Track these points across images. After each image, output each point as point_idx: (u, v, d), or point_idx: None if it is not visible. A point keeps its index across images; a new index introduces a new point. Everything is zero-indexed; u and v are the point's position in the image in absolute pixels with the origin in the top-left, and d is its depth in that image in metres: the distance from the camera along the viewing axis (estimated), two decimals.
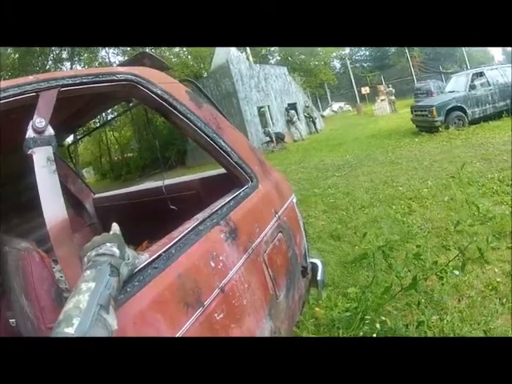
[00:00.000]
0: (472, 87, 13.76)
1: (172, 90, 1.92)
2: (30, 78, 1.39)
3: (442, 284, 3.33)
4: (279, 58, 50.78)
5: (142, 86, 1.78)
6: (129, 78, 1.74)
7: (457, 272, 3.04)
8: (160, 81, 1.89)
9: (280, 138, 21.88)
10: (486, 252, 2.90)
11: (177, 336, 1.30)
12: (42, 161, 1.25)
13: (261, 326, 1.83)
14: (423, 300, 3.35)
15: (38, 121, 1.28)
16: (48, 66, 27.10)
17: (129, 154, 35.90)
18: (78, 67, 28.21)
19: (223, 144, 2.07)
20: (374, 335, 2.74)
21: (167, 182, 2.85)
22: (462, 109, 13.54)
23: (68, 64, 28.71)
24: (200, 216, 1.76)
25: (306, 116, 26.96)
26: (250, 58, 26.58)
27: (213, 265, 1.59)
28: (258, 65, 26.49)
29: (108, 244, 1.16)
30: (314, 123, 26.88)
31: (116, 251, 1.15)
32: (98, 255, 1.12)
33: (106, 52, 33.12)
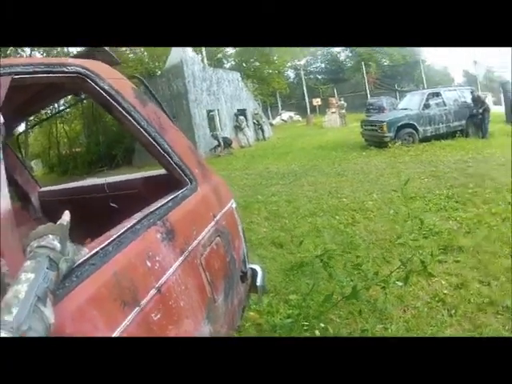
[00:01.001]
0: (426, 106, 14.35)
1: (118, 85, 1.91)
2: None
3: (386, 294, 3.40)
4: (234, 63, 50.84)
5: (90, 79, 1.76)
6: (78, 71, 1.72)
7: (400, 283, 3.11)
8: (108, 76, 1.87)
9: (227, 142, 21.88)
10: (430, 265, 2.98)
11: (114, 334, 1.28)
12: None
13: (199, 329, 1.83)
14: (366, 309, 3.42)
15: None
16: None
17: (77, 149, 34.85)
18: None
19: (164, 144, 2.07)
20: None
21: (111, 179, 2.80)
22: (413, 126, 14.03)
23: None
24: (138, 215, 1.74)
25: (254, 123, 27.09)
26: (205, 61, 26.50)
27: (149, 264, 1.58)
28: (211, 68, 26.39)
29: (50, 236, 1.14)
30: (263, 131, 27.11)
31: (57, 245, 1.13)
32: (39, 247, 1.10)
33: None
